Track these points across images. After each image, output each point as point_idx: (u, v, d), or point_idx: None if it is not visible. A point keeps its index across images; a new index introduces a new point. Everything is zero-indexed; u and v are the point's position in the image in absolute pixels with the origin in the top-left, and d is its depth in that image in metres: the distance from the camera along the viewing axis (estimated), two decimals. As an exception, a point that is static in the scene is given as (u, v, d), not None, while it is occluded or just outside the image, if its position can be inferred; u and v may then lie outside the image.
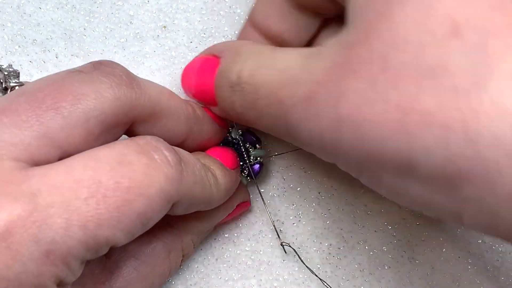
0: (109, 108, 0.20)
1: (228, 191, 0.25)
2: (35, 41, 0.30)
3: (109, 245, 0.19)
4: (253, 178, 0.28)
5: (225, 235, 0.30)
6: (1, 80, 0.22)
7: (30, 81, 0.28)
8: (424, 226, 0.29)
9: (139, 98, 0.21)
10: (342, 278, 0.29)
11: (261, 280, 0.29)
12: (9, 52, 0.30)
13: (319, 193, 0.30)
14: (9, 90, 0.22)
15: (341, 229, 0.29)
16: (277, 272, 0.29)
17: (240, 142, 0.28)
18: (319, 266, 0.29)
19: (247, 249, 0.29)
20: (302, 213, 0.30)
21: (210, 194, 0.23)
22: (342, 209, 0.30)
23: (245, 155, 0.28)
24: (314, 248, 0.29)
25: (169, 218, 0.25)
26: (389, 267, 0.29)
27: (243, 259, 0.29)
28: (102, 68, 0.21)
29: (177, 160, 0.21)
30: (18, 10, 0.30)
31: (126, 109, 0.21)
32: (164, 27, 0.30)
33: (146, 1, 0.30)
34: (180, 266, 0.26)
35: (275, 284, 0.29)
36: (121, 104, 0.21)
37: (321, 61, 0.19)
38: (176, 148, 0.22)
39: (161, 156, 0.20)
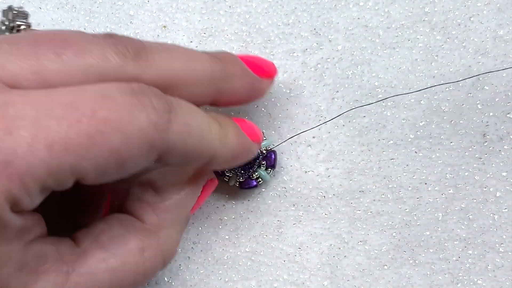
0: (111, 71, 0.20)
1: (236, 152, 0.24)
2: (35, 41, 0.30)
3: (74, 175, 0.18)
4: (272, 168, 0.29)
5: (225, 236, 0.29)
6: (10, 18, 0.22)
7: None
8: (424, 226, 0.29)
9: (144, 72, 0.21)
10: (342, 279, 0.29)
11: (261, 281, 0.29)
12: (9, 52, 0.30)
13: (319, 193, 0.30)
14: (15, 30, 0.22)
15: (341, 230, 0.29)
16: (277, 273, 0.29)
17: None
18: (319, 266, 0.29)
19: (247, 250, 0.29)
20: (302, 213, 0.30)
21: (211, 149, 0.22)
22: (342, 210, 0.30)
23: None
24: (314, 248, 0.29)
25: (140, 214, 0.24)
26: (389, 267, 0.29)
27: (243, 260, 0.29)
28: (112, 39, 0.21)
29: (165, 108, 0.20)
30: (18, 10, 0.30)
31: (129, 80, 0.20)
32: (164, 27, 0.30)
33: (146, 1, 0.30)
34: (164, 266, 0.25)
35: (275, 285, 0.29)
36: (123, 73, 0.20)
37: None
38: (175, 98, 0.21)
39: (148, 101, 0.19)
